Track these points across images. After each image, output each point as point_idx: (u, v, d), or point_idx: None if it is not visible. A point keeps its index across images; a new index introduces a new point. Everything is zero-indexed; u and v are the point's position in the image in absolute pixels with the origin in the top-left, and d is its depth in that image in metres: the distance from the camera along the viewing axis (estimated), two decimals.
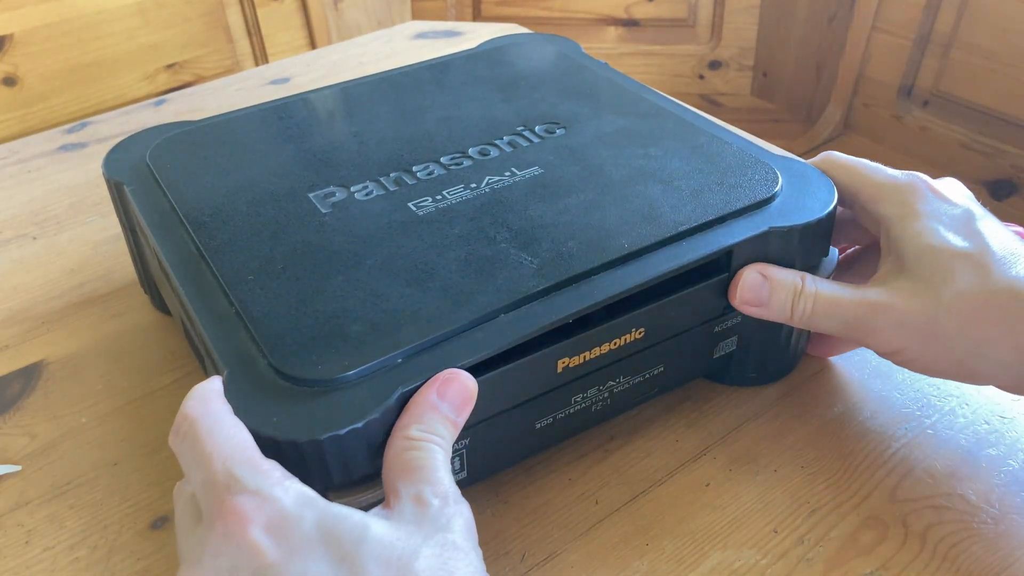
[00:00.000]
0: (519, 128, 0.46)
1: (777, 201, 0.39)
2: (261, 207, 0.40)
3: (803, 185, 0.40)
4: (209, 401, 0.30)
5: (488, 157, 0.43)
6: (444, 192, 0.40)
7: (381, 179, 0.42)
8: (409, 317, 0.33)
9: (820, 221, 0.38)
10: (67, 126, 0.73)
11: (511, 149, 0.44)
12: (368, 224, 0.38)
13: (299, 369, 0.31)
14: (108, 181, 0.45)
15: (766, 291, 0.37)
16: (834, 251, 0.41)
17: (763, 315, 0.38)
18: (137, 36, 1.25)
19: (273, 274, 0.36)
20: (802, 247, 0.38)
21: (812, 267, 0.40)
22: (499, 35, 0.79)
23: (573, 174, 0.41)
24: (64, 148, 0.69)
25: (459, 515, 0.28)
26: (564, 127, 0.46)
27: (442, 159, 0.43)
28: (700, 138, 0.44)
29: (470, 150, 0.44)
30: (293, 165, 0.43)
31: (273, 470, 0.28)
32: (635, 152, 0.43)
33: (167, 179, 0.42)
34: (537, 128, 0.45)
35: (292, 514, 0.26)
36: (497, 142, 0.44)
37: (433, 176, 0.42)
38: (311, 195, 0.41)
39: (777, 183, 0.40)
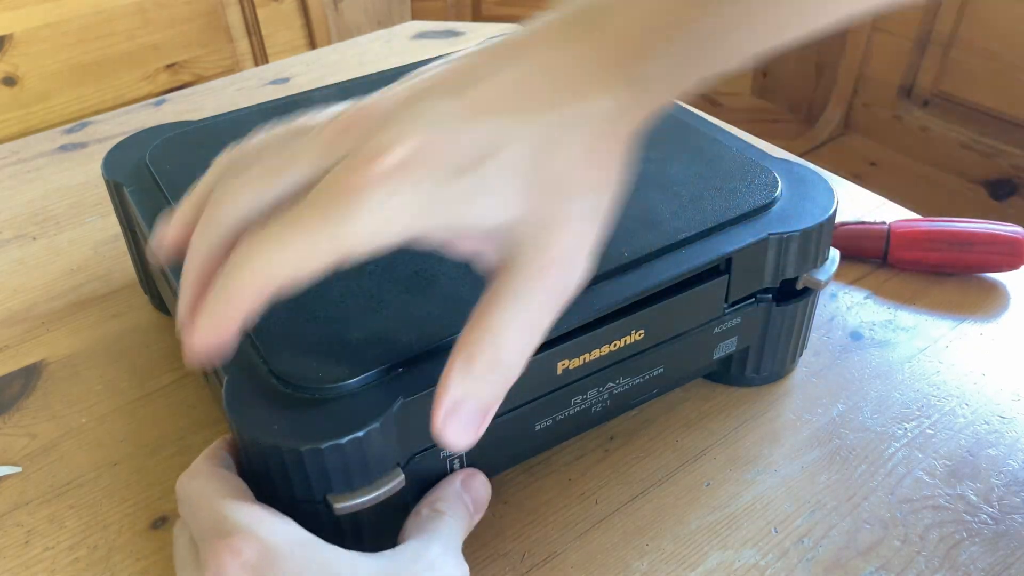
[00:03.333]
0: None
1: (777, 206, 0.39)
2: None
3: (803, 189, 0.40)
4: (198, 468, 0.31)
5: None
6: None
7: None
8: (411, 325, 0.33)
9: (820, 226, 0.38)
10: (67, 126, 0.73)
11: None
12: None
13: (300, 376, 0.31)
14: (107, 182, 0.45)
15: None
16: (835, 253, 0.41)
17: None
18: (137, 36, 1.25)
19: None
20: (801, 252, 0.38)
21: (812, 271, 0.40)
22: (499, 35, 0.79)
23: None
24: (64, 148, 0.69)
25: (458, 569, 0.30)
26: None
27: None
28: (699, 141, 0.44)
29: None
30: None
31: (264, 511, 0.29)
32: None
33: (166, 180, 0.42)
34: None
35: (281, 552, 0.27)
36: None
37: None
38: None
39: (777, 188, 0.39)
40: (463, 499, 0.33)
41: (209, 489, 0.30)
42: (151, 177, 0.43)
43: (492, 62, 0.26)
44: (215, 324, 0.26)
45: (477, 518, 0.34)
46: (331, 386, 0.30)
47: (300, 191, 0.25)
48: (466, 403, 0.26)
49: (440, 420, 0.26)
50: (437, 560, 0.30)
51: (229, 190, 0.26)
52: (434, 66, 0.27)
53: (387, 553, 0.30)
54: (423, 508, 0.33)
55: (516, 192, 0.25)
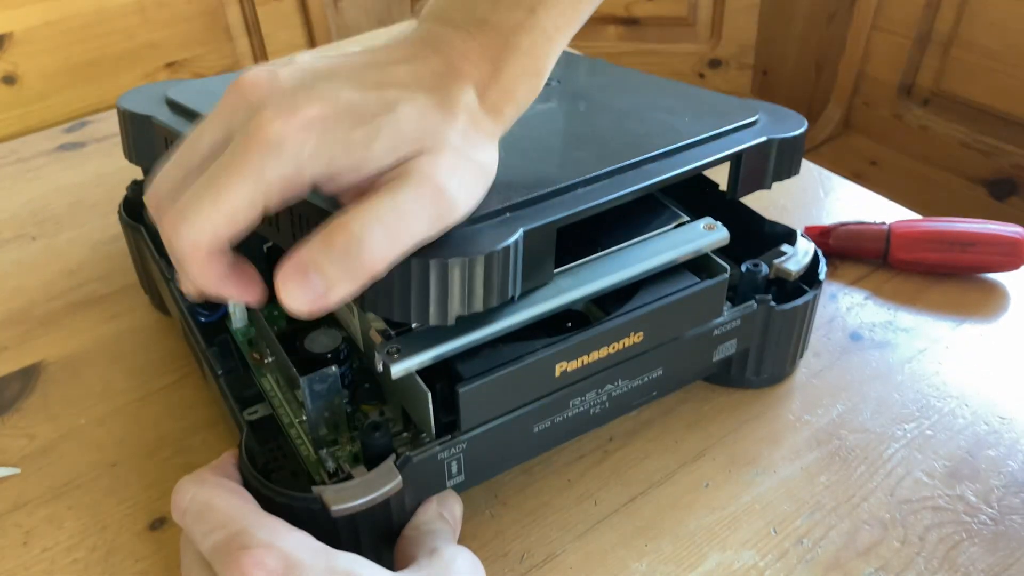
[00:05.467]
0: None
1: (760, 124, 0.41)
2: None
3: (776, 115, 0.42)
4: (203, 477, 0.32)
5: None
6: None
7: None
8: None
9: (795, 138, 0.40)
10: (66, 125, 0.73)
11: None
12: None
13: None
14: (129, 116, 0.43)
15: None
16: (809, 247, 0.42)
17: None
18: (137, 35, 1.25)
19: None
20: (779, 160, 0.40)
21: (782, 260, 0.41)
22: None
23: (582, 108, 0.43)
24: (63, 147, 0.69)
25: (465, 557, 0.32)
26: (558, 80, 0.47)
27: None
28: (681, 87, 0.46)
29: None
30: None
31: (281, 524, 0.29)
32: (630, 97, 0.45)
33: (206, 109, 0.42)
34: None
35: (304, 562, 0.27)
36: None
37: None
38: None
39: (756, 111, 0.41)
40: (444, 517, 0.34)
41: (220, 501, 0.30)
42: (182, 107, 0.43)
43: (388, 61, 0.31)
44: (196, 282, 0.28)
45: (458, 532, 0.35)
46: None
47: (212, 153, 0.28)
48: (310, 271, 0.26)
49: (283, 273, 0.27)
50: (453, 562, 0.31)
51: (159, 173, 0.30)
52: (336, 54, 0.31)
53: (403, 572, 0.30)
54: (408, 532, 0.33)
55: (405, 139, 0.28)
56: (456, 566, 0.31)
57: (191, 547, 0.31)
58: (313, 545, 0.29)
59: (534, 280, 0.33)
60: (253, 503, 0.31)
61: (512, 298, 0.32)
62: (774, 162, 0.40)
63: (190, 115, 0.42)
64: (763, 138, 0.39)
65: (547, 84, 0.46)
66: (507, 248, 0.30)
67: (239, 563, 0.27)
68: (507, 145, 0.38)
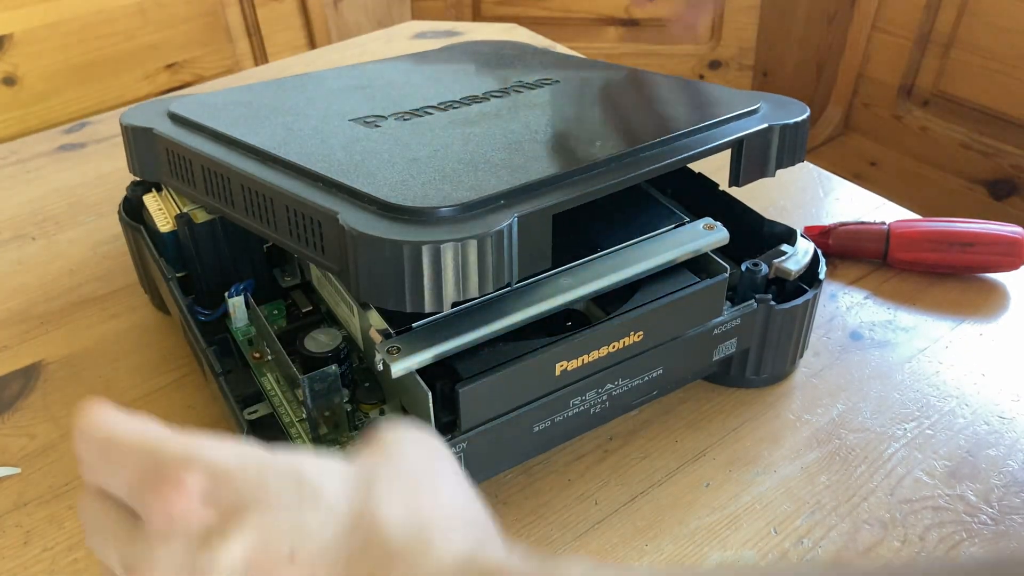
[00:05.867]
0: (515, 83, 0.47)
1: (761, 112, 0.41)
2: (318, 132, 0.40)
3: (778, 104, 0.42)
4: (95, 421, 0.25)
5: (500, 98, 0.44)
6: (473, 111, 0.42)
7: (412, 111, 0.42)
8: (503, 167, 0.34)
9: (797, 124, 0.40)
10: (66, 126, 0.73)
11: (518, 94, 0.45)
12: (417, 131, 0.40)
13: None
14: (132, 130, 0.43)
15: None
16: (808, 247, 0.42)
17: None
18: (137, 36, 1.25)
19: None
20: (782, 147, 0.40)
21: (782, 260, 0.41)
22: (498, 35, 0.79)
23: (583, 103, 0.43)
24: (63, 148, 0.69)
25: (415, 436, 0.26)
26: (557, 81, 0.47)
27: (459, 97, 0.44)
28: (682, 82, 0.46)
29: (481, 92, 0.45)
30: (328, 110, 0.43)
31: (197, 436, 0.23)
32: (632, 92, 0.45)
33: (206, 120, 0.42)
34: (533, 80, 0.47)
35: (232, 471, 0.22)
36: (499, 93, 0.45)
37: (457, 109, 0.42)
38: (350, 120, 0.41)
39: (758, 100, 0.41)
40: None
41: (120, 434, 0.24)
42: (183, 119, 0.43)
43: None
44: None
45: None
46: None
47: None
48: None
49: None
50: (398, 442, 0.25)
51: None
52: None
53: (347, 463, 0.24)
54: None
55: None
56: (402, 448, 0.25)
57: (92, 504, 0.24)
58: (240, 450, 0.23)
59: (531, 267, 0.33)
60: (159, 426, 0.24)
61: (509, 284, 0.32)
62: (776, 148, 0.40)
63: (190, 126, 0.42)
64: (764, 124, 0.39)
65: (547, 83, 0.46)
66: (500, 232, 0.30)
67: (159, 493, 0.21)
68: (505, 138, 0.38)
